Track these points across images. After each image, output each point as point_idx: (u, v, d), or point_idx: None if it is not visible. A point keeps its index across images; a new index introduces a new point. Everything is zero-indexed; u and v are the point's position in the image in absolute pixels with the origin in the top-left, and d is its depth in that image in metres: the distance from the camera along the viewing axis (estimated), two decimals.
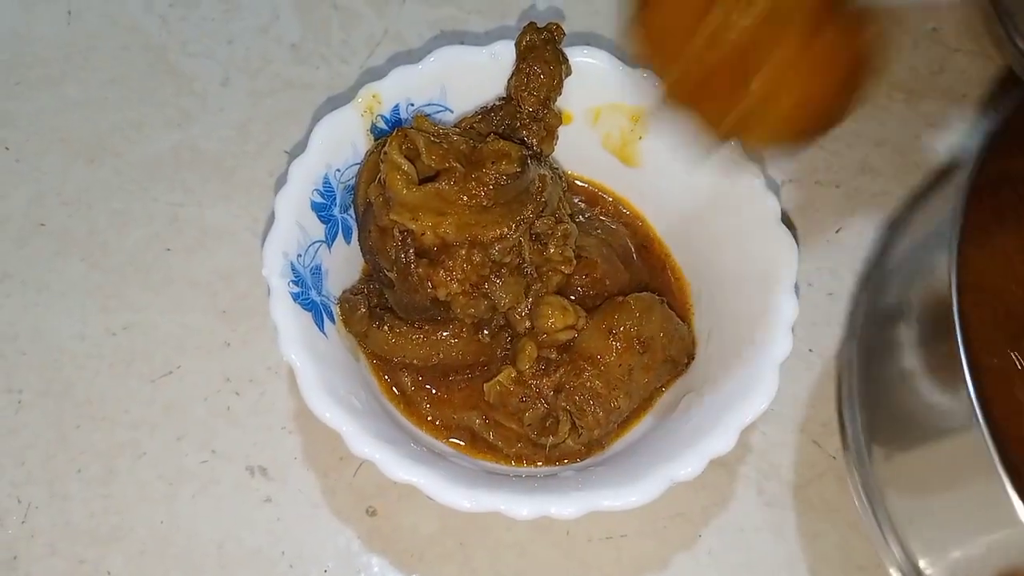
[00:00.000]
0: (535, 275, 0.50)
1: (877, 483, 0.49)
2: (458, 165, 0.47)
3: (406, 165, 0.47)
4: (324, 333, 0.49)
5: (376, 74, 0.54)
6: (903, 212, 0.61)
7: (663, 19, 0.40)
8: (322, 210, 0.51)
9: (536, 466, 0.51)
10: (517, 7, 0.68)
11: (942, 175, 0.62)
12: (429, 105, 0.54)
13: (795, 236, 0.51)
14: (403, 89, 0.53)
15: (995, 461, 0.38)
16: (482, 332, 0.51)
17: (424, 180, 0.47)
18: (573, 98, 0.54)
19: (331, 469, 0.53)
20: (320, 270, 0.51)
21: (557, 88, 0.52)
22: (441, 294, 0.47)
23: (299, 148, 0.52)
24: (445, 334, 0.50)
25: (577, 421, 0.50)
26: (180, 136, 0.63)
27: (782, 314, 0.48)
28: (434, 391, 0.52)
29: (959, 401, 0.40)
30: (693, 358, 0.53)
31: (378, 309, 0.51)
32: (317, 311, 0.50)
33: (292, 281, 0.48)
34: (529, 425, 0.50)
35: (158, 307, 0.57)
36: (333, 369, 0.48)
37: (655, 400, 0.53)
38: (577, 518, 0.44)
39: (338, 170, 0.52)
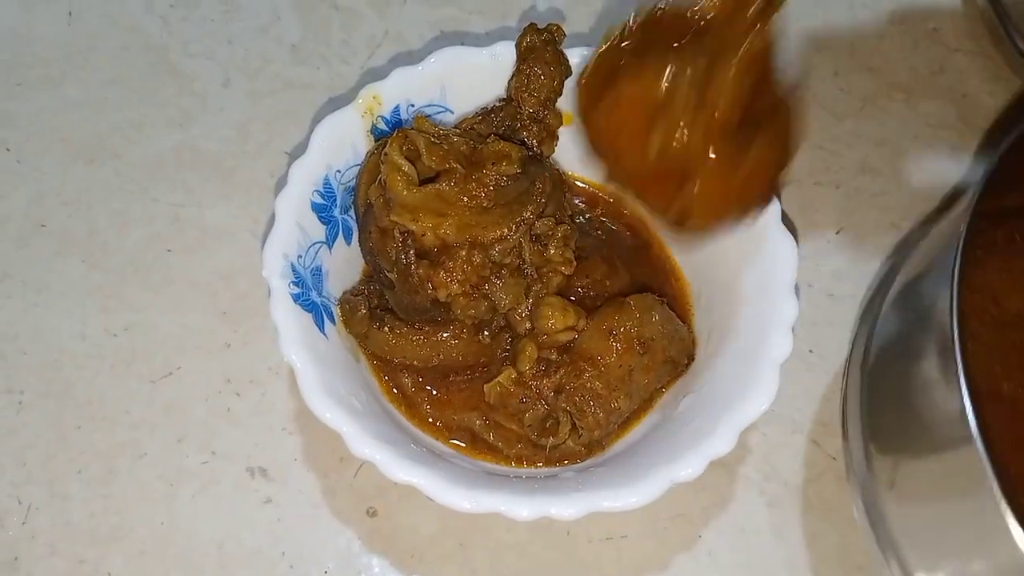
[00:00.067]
0: (535, 276, 0.50)
1: (877, 498, 0.49)
2: (458, 166, 0.48)
3: (406, 166, 0.47)
4: (324, 334, 0.50)
5: (377, 75, 0.54)
6: (910, 235, 0.61)
7: (610, 123, 0.45)
8: (322, 211, 0.51)
9: (536, 467, 0.51)
10: (518, 8, 0.68)
11: (948, 200, 0.62)
12: (429, 106, 0.54)
13: (795, 237, 0.51)
14: (403, 90, 0.53)
15: (996, 491, 0.38)
16: (482, 333, 0.51)
17: (424, 181, 0.47)
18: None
19: (331, 470, 0.53)
20: (320, 271, 0.51)
21: (557, 89, 0.52)
22: (441, 295, 0.47)
23: (299, 149, 0.52)
24: (445, 335, 0.51)
25: (577, 422, 0.50)
26: (180, 136, 0.63)
27: (782, 315, 0.48)
28: (434, 392, 0.52)
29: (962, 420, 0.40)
30: (693, 359, 0.53)
31: (378, 310, 0.51)
32: (317, 312, 0.50)
33: (292, 282, 0.49)
34: (529, 426, 0.50)
35: (158, 307, 0.57)
36: (333, 370, 0.48)
37: (655, 401, 0.53)
38: (577, 519, 0.44)
39: (338, 171, 0.52)
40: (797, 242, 0.50)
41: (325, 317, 0.50)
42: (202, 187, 0.61)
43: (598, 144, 0.46)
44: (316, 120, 0.52)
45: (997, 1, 0.64)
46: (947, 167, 0.63)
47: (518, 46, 0.52)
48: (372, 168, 0.50)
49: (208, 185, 0.61)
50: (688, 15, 0.44)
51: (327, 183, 0.51)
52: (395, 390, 0.52)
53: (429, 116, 0.53)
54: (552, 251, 0.49)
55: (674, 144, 0.43)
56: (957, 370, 0.40)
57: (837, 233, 0.61)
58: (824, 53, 0.67)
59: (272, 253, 0.49)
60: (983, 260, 0.48)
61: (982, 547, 0.42)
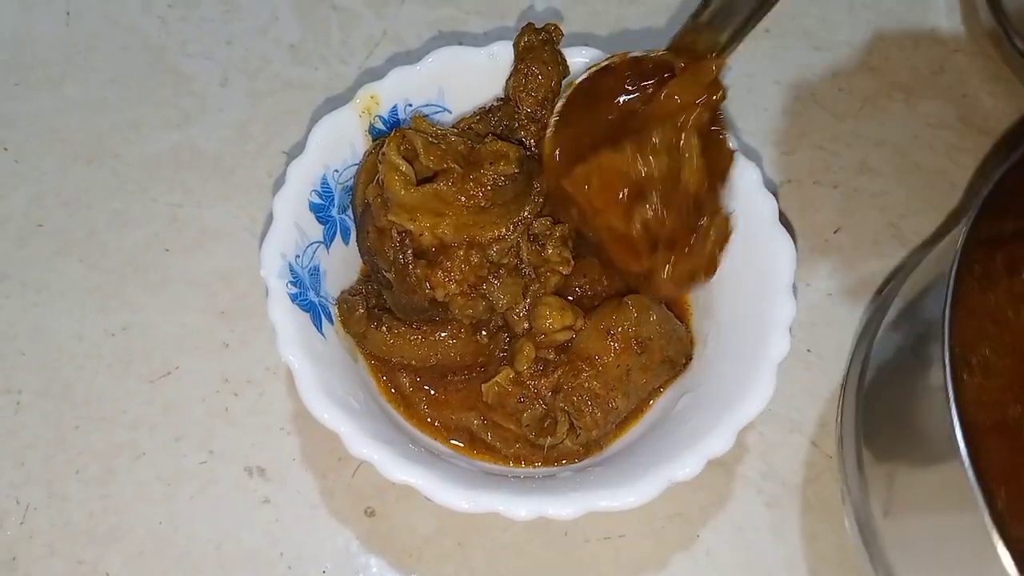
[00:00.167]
0: (533, 276, 0.50)
1: (871, 520, 0.49)
2: (456, 166, 0.48)
3: (404, 166, 0.47)
4: (322, 334, 0.50)
5: (375, 75, 0.54)
6: (909, 257, 0.60)
7: (586, 191, 0.48)
8: (320, 211, 0.51)
9: (534, 467, 0.51)
10: (516, 7, 0.68)
11: (955, 214, 0.62)
12: (427, 106, 0.54)
13: (793, 236, 0.51)
14: (401, 90, 0.53)
15: (988, 521, 0.38)
16: (480, 333, 0.51)
17: (422, 181, 0.47)
18: None
19: (329, 470, 0.53)
20: (318, 271, 0.51)
21: (555, 89, 0.52)
22: (439, 295, 0.47)
23: (297, 149, 0.52)
24: (443, 335, 0.50)
25: (575, 422, 0.50)
26: (179, 137, 0.63)
27: (780, 314, 0.48)
28: (432, 392, 0.52)
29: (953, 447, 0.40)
30: (691, 358, 0.53)
31: (376, 310, 0.51)
32: (315, 312, 0.50)
33: (290, 282, 0.49)
34: (527, 426, 0.50)
35: (157, 307, 0.57)
36: (331, 370, 0.48)
37: (653, 401, 0.53)
38: (575, 518, 0.44)
39: (336, 171, 0.52)
40: (795, 242, 0.50)
41: (323, 317, 0.50)
42: (201, 187, 0.61)
43: (568, 204, 0.49)
44: (315, 120, 0.52)
45: (996, 1, 0.64)
46: (947, 167, 0.63)
47: (516, 46, 0.52)
48: (370, 168, 0.50)
49: (207, 185, 0.61)
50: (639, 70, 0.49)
51: (325, 183, 0.51)
52: (393, 390, 0.52)
53: (427, 116, 0.53)
54: (550, 251, 0.49)
55: (655, 221, 0.47)
56: (948, 398, 0.40)
57: (835, 233, 0.61)
58: (824, 53, 0.67)
59: (270, 253, 0.49)
60: (983, 283, 0.48)
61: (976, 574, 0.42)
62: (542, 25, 0.52)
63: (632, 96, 0.49)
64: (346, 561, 0.51)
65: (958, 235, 0.45)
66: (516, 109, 0.52)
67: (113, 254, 0.59)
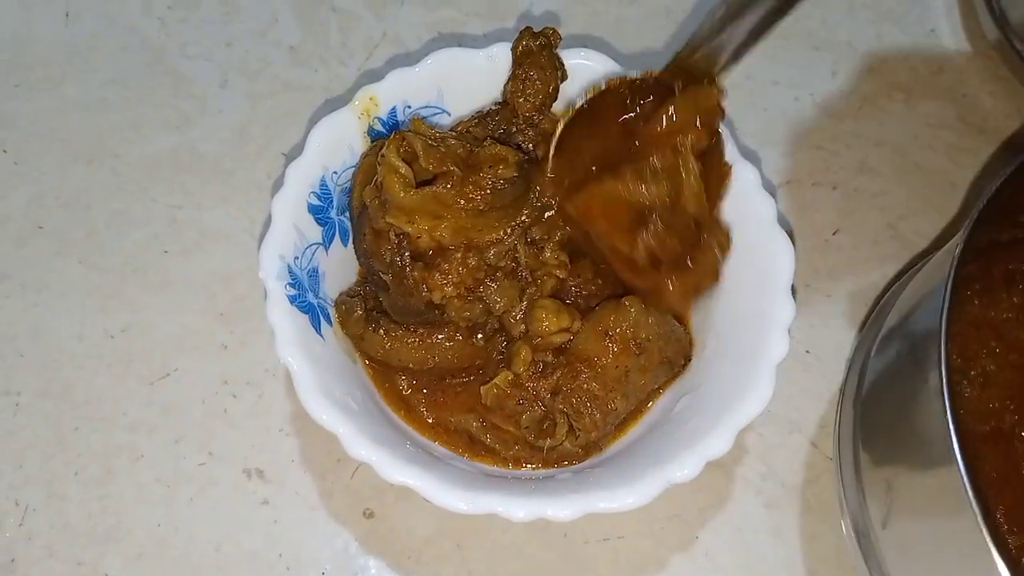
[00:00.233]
0: (530, 279, 0.50)
1: (870, 531, 0.49)
2: (455, 169, 0.48)
3: (403, 168, 0.47)
4: (321, 335, 0.50)
5: (375, 76, 0.54)
6: (912, 259, 0.60)
7: (591, 216, 0.48)
8: (319, 212, 0.51)
9: (534, 468, 0.51)
10: (515, 9, 0.68)
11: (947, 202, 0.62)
12: (426, 107, 0.54)
13: (792, 237, 0.51)
14: (400, 91, 0.53)
15: (984, 532, 0.38)
16: (476, 336, 0.51)
17: (421, 184, 0.47)
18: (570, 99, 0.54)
19: (328, 471, 0.53)
20: (317, 272, 0.51)
21: (552, 94, 0.52)
22: (436, 297, 0.47)
23: (297, 150, 0.52)
24: (440, 337, 0.50)
25: (574, 423, 0.49)
26: (179, 138, 0.63)
27: (779, 315, 0.48)
28: (431, 394, 0.52)
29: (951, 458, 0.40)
30: (690, 360, 0.53)
31: (374, 312, 0.51)
32: (314, 313, 0.50)
33: (289, 284, 0.49)
34: (526, 428, 0.50)
35: (156, 308, 0.57)
36: (330, 371, 0.48)
37: (652, 402, 0.53)
38: (574, 520, 0.44)
39: (335, 172, 0.52)
40: (794, 242, 0.50)
41: (322, 318, 0.50)
42: (200, 189, 0.61)
43: (573, 225, 0.50)
44: (314, 121, 0.52)
45: (996, 1, 0.64)
46: (947, 167, 0.63)
47: (514, 50, 0.52)
48: (367, 169, 0.50)
49: (206, 187, 0.61)
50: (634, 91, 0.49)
51: (323, 184, 0.51)
52: (392, 392, 0.52)
53: (426, 118, 0.53)
54: (547, 254, 0.49)
55: (658, 243, 0.47)
56: (946, 409, 0.40)
57: (835, 234, 0.61)
58: (823, 54, 0.67)
59: (268, 255, 0.49)
60: (980, 294, 0.48)
61: None
62: (540, 29, 0.52)
63: (632, 115, 0.49)
64: (345, 563, 0.51)
65: (956, 243, 0.44)
66: (514, 113, 0.52)
67: (113, 255, 0.59)
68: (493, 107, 0.53)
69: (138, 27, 0.67)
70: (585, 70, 0.54)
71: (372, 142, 0.52)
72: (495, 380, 0.50)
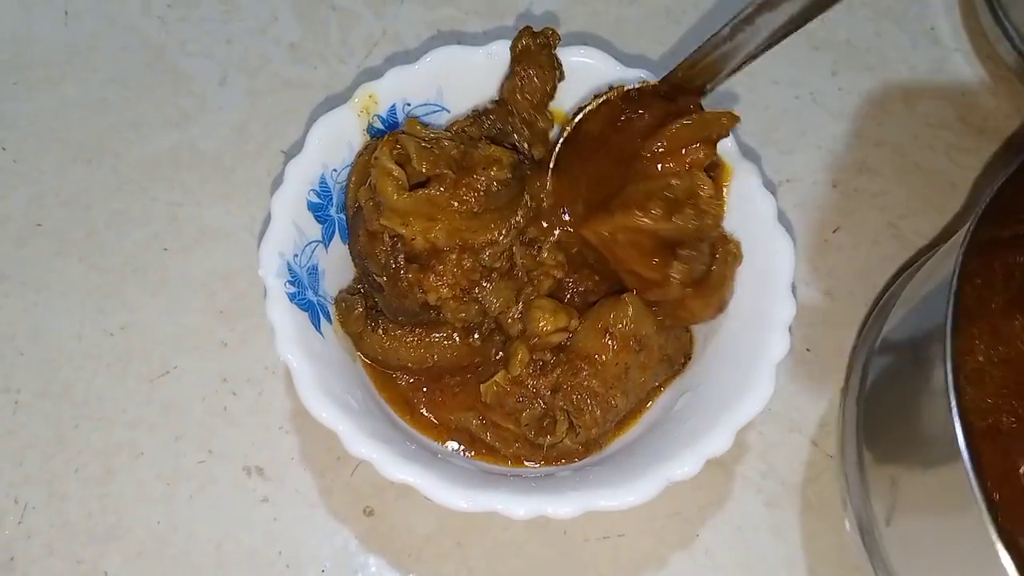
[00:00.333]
0: (526, 279, 0.49)
1: (874, 529, 0.49)
2: (449, 171, 0.47)
3: (397, 171, 0.47)
4: (321, 333, 0.49)
5: (374, 74, 0.54)
6: (913, 256, 0.60)
7: (614, 246, 0.48)
8: (318, 210, 0.51)
9: (534, 466, 0.51)
10: (515, 8, 0.68)
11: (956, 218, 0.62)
12: (425, 105, 0.54)
13: (793, 236, 0.51)
14: (400, 89, 0.53)
15: (988, 525, 0.38)
16: (472, 336, 0.51)
17: (415, 185, 0.47)
18: (569, 98, 0.54)
19: (328, 469, 0.53)
20: (317, 270, 0.51)
21: (550, 93, 0.52)
22: (431, 299, 0.47)
23: (296, 148, 0.52)
24: (438, 336, 0.50)
25: (575, 420, 0.49)
26: (179, 136, 0.63)
27: (779, 314, 0.48)
28: (431, 392, 0.52)
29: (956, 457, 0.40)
30: (690, 357, 0.53)
31: (374, 311, 0.51)
32: (314, 311, 0.50)
33: (289, 281, 0.48)
34: (526, 425, 0.50)
35: (156, 307, 0.57)
36: (330, 369, 0.48)
37: (652, 400, 0.53)
38: (574, 518, 0.44)
39: (335, 170, 0.52)
40: (795, 241, 0.50)
41: (321, 316, 0.50)
42: (200, 187, 0.61)
43: (586, 246, 0.50)
44: (314, 119, 0.52)
45: (995, 1, 0.64)
46: (946, 167, 0.63)
47: (513, 48, 0.52)
48: (361, 169, 0.50)
49: (206, 185, 0.61)
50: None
51: (323, 182, 0.51)
52: (391, 390, 0.52)
53: (425, 116, 0.53)
54: (545, 254, 0.49)
55: (689, 269, 0.48)
56: (951, 405, 0.40)
57: (835, 232, 0.61)
58: (823, 53, 0.67)
59: (268, 252, 0.49)
60: (982, 290, 0.48)
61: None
62: (539, 28, 0.52)
63: (629, 128, 0.50)
64: (345, 560, 0.51)
65: (959, 241, 0.44)
66: (511, 112, 0.52)
67: (112, 254, 0.59)
68: (489, 105, 0.53)
69: (138, 26, 0.67)
70: (585, 68, 0.53)
71: (372, 140, 0.52)
72: (495, 378, 0.49)
